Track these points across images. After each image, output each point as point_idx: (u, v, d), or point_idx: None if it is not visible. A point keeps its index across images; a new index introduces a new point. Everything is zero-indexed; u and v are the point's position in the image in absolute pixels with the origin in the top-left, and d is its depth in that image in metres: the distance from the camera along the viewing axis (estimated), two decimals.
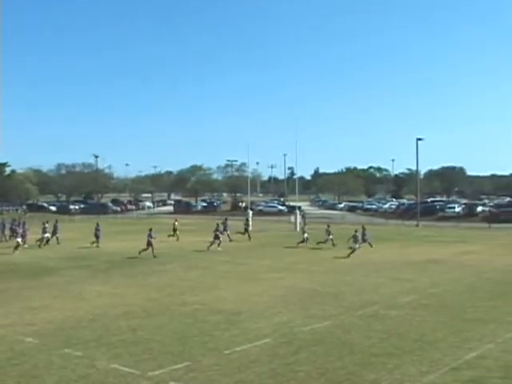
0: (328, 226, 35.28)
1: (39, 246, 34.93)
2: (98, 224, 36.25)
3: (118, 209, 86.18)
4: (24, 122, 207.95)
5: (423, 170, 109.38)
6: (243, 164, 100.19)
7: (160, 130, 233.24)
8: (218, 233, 33.56)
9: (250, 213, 55.17)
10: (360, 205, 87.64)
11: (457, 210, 66.87)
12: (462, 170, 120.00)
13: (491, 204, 71.34)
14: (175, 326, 14.70)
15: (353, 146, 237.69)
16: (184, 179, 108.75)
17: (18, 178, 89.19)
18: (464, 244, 36.16)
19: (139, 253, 29.57)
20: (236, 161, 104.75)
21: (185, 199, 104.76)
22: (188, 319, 15.50)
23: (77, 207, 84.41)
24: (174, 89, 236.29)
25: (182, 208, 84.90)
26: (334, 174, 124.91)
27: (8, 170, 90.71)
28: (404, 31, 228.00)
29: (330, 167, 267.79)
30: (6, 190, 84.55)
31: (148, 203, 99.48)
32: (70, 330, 14.29)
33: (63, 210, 78.75)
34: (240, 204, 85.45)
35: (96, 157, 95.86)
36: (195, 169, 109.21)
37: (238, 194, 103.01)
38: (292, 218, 55.05)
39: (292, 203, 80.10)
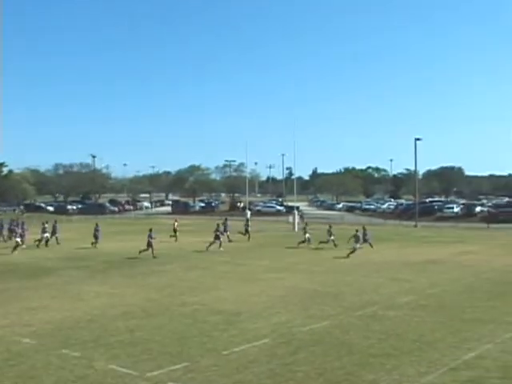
0: (330, 227, 35.21)
1: (37, 246, 34.87)
2: (97, 224, 36.21)
3: (116, 209, 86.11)
4: (21, 121, 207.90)
5: (422, 170, 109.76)
6: (241, 164, 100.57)
7: (158, 129, 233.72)
8: (218, 233, 33.54)
9: (249, 213, 55.24)
10: (358, 205, 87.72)
11: (455, 210, 66.94)
12: (460, 170, 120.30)
13: (490, 204, 71.47)
14: (174, 327, 14.67)
15: (351, 146, 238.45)
16: (182, 179, 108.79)
17: (15, 178, 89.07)
18: (462, 244, 36.20)
19: (139, 252, 29.56)
20: (234, 161, 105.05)
21: (183, 199, 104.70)
22: (187, 320, 15.47)
23: (74, 207, 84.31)
24: (173, 89, 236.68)
25: (180, 208, 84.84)
26: (333, 174, 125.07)
27: (5, 170, 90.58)
28: (404, 31, 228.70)
29: (328, 167, 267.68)
30: (3, 190, 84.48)
31: (146, 203, 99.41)
32: (68, 331, 14.25)
33: (61, 210, 78.57)
34: (238, 204, 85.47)
35: (93, 157, 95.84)
36: (193, 169, 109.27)
37: (237, 195, 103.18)
38: (290, 219, 55.08)
39: (290, 203, 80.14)
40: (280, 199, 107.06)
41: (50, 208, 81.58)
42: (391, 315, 15.83)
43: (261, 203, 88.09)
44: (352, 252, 29.22)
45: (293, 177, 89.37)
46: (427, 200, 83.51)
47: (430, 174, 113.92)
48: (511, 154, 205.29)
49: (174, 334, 13.86)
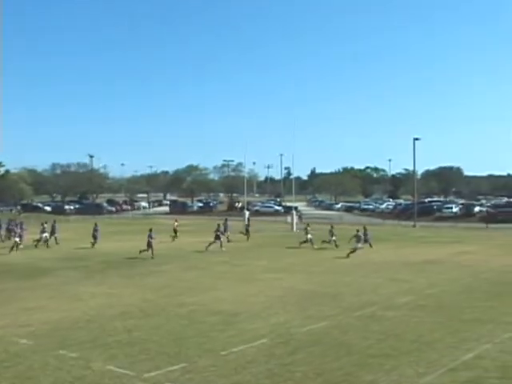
0: (332, 227, 35.15)
1: (36, 246, 34.79)
2: (96, 224, 36.05)
3: (113, 209, 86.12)
4: (21, 121, 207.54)
5: (420, 170, 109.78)
6: (240, 164, 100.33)
7: (157, 129, 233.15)
8: (219, 233, 33.49)
9: (247, 213, 55.15)
10: (357, 205, 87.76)
11: (454, 210, 67.00)
12: (459, 170, 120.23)
13: (488, 204, 71.51)
14: (172, 327, 14.62)
15: (350, 146, 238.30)
16: (180, 179, 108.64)
17: (12, 177, 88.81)
18: (461, 244, 36.19)
19: (140, 252, 29.52)
20: (232, 161, 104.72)
21: (181, 199, 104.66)
22: (185, 320, 15.42)
23: (72, 207, 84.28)
24: (173, 89, 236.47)
25: (178, 208, 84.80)
26: (331, 174, 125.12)
27: (2, 169, 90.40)
28: (404, 31, 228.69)
29: (326, 167, 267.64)
30: (0, 190, 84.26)
31: (143, 203, 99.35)
32: (65, 331, 14.19)
33: (58, 210, 78.50)
34: (236, 204, 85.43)
35: (91, 156, 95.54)
36: (191, 169, 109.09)
37: (235, 195, 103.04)
38: (288, 219, 55.08)
39: (288, 203, 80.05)
40: (278, 199, 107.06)
41: (48, 208, 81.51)
42: (390, 316, 15.79)
43: (259, 203, 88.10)
44: (352, 252, 29.19)
45: (291, 177, 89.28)
46: (426, 200, 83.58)
47: (428, 174, 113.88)
48: (510, 154, 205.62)
49: (171, 335, 13.81)
